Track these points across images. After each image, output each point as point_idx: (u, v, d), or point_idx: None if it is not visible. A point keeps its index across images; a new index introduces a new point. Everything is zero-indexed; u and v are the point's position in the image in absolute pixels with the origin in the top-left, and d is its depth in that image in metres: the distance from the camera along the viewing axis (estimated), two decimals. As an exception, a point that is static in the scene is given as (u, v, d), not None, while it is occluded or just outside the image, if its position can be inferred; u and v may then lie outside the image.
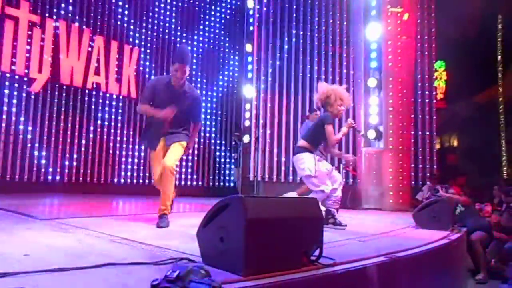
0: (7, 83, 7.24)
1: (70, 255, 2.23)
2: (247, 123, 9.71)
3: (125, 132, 8.89)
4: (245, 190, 9.44)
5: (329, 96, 4.22)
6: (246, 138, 9.62)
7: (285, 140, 9.53)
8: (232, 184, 10.50)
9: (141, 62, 9.26)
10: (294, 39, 9.82)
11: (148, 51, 9.40)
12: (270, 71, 9.62)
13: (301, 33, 9.83)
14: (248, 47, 9.93)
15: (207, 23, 10.48)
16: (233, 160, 10.52)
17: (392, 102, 7.97)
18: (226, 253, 1.95)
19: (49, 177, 7.68)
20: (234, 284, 1.77)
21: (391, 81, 8.01)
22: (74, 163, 8.06)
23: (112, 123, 8.72)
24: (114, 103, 8.79)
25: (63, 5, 8.01)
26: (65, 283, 1.69)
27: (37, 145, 7.56)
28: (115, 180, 8.67)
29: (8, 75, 7.25)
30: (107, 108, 8.66)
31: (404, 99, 8.07)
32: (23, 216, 3.87)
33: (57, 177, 7.76)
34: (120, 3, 8.91)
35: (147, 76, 9.34)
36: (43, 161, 7.61)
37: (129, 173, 8.90)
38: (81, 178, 8.13)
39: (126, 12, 9.04)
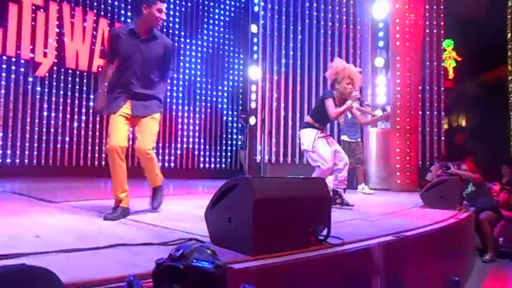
0: (13, 67, 7.24)
1: (81, 237, 2.26)
2: (253, 104, 9.67)
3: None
4: (252, 172, 9.46)
5: (338, 73, 4.26)
6: (252, 120, 9.60)
7: (291, 122, 9.49)
8: (239, 166, 10.52)
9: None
10: (299, 20, 9.67)
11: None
12: (275, 52, 9.51)
13: (307, 12, 9.67)
14: (254, 28, 9.81)
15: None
16: (239, 142, 10.52)
17: (400, 82, 7.87)
18: (234, 234, 1.96)
19: (57, 161, 7.74)
20: (243, 264, 1.78)
21: (399, 61, 7.89)
22: (82, 147, 8.11)
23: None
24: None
25: (66, -13, 7.94)
26: (76, 263, 1.71)
27: (44, 129, 7.60)
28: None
29: (13, 59, 7.25)
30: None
31: (412, 79, 7.96)
32: (34, 199, 3.91)
33: (65, 161, 7.82)
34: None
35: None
36: (51, 145, 7.67)
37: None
38: (89, 162, 8.19)
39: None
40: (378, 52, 8.12)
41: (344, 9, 9.80)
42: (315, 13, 9.69)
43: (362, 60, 8.81)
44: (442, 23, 9.99)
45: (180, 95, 9.68)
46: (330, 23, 9.75)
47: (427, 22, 9.51)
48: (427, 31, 9.59)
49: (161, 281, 0.87)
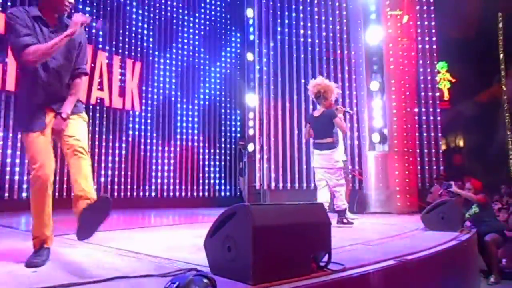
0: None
1: (78, 270, 2.23)
2: (251, 131, 9.72)
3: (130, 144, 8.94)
4: (252, 199, 9.42)
5: (326, 90, 5.00)
6: (250, 147, 9.62)
7: (289, 148, 9.53)
8: (238, 193, 10.49)
9: (144, 76, 9.33)
10: (294, 47, 9.85)
11: (150, 65, 9.47)
12: (272, 79, 9.64)
13: (301, 40, 9.87)
14: (249, 56, 9.98)
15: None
16: (238, 169, 10.51)
17: (396, 104, 7.95)
18: (234, 262, 1.94)
19: (56, 193, 7.69)
20: (244, 293, 1.76)
21: (394, 84, 8.00)
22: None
23: (117, 136, 8.76)
24: (118, 117, 8.85)
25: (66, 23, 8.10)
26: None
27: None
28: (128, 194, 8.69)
29: (13, 96, 7.32)
30: (112, 123, 8.72)
31: (408, 101, 8.05)
32: (28, 233, 3.87)
33: (64, 193, 7.77)
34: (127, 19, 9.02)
35: (149, 89, 9.42)
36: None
37: (135, 186, 8.92)
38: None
39: (127, 27, 9.13)
40: (373, 76, 8.24)
41: (338, 35, 10.02)
42: (309, 40, 9.89)
43: (357, 84, 8.92)
44: (434, 46, 10.19)
45: (196, 119, 9.95)
46: (324, 49, 9.94)
47: (420, 46, 9.70)
48: (420, 54, 9.77)
49: None
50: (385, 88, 8.05)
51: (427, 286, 2.89)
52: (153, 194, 9.17)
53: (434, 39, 10.18)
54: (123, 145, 8.87)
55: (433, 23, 10.20)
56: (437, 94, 10.51)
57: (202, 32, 10.46)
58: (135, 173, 8.96)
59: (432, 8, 10.24)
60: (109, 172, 8.55)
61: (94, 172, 8.25)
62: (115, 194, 8.53)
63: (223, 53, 10.82)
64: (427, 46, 10.05)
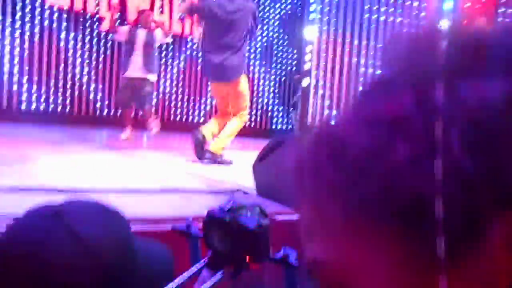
0: (80, 24, 7.58)
1: (138, 179, 2.46)
2: (307, 65, 9.53)
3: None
4: (303, 134, 9.48)
5: None
6: (306, 81, 9.49)
7: (345, 85, 9.30)
8: (290, 127, 10.55)
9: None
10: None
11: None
12: (333, 13, 9.19)
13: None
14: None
15: None
16: (291, 103, 10.49)
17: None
18: (280, 187, 2.05)
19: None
20: (285, 216, 1.88)
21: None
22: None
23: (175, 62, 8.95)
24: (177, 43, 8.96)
25: None
26: (131, 203, 1.89)
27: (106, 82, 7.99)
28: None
29: (81, 15, 7.56)
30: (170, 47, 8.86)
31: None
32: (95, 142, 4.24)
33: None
34: None
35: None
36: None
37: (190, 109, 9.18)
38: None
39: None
40: (444, 15, 7.62)
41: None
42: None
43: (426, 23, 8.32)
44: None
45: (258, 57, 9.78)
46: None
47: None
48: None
49: (209, 230, 0.96)
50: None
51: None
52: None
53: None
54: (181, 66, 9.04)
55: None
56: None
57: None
58: (191, 96, 9.15)
59: None
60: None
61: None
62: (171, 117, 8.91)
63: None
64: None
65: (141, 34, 4.99)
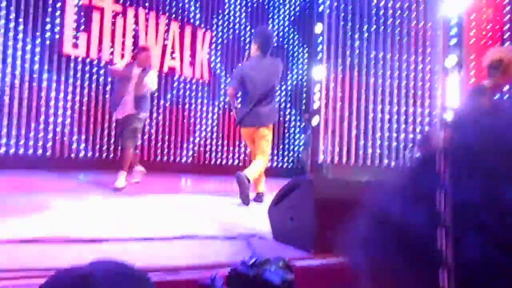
0: (95, 69, 7.86)
1: (155, 226, 2.46)
2: (316, 104, 9.64)
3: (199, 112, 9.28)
4: (314, 172, 9.44)
5: (509, 64, 3.42)
6: (315, 120, 9.57)
7: (355, 122, 9.34)
8: (301, 166, 10.55)
9: (213, 46, 9.52)
10: (366, 18, 9.47)
11: (219, 34, 9.62)
12: (340, 51, 9.40)
13: (373, 11, 9.45)
14: (318, 27, 9.76)
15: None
16: (302, 142, 10.54)
17: (475, 81, 7.43)
18: (296, 231, 2.04)
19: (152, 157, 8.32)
20: (304, 261, 1.85)
21: (473, 59, 7.45)
22: (153, 142, 8.58)
23: (186, 105, 9.13)
24: (187, 86, 9.19)
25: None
26: (149, 251, 1.89)
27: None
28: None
29: (95, 61, 7.87)
30: (181, 91, 9.08)
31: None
32: (114, 191, 4.28)
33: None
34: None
35: (219, 59, 9.60)
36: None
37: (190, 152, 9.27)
38: (153, 156, 8.62)
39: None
40: (450, 50, 7.73)
41: (414, 5, 9.44)
42: (381, 12, 9.44)
43: (432, 58, 8.44)
44: (525, 17, 9.25)
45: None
46: (398, 20, 9.44)
47: (507, 17, 8.86)
48: (508, 26, 8.93)
49: (233, 285, 0.96)
50: (463, 64, 7.54)
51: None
52: (218, 161, 9.53)
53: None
54: (196, 114, 9.23)
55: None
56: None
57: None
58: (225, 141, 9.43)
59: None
60: (201, 141, 9.01)
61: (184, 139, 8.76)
62: (206, 161, 9.08)
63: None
64: (515, 17, 9.15)
65: (136, 72, 4.75)
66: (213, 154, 9.35)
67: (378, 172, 8.22)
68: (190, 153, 9.16)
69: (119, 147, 6.10)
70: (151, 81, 4.77)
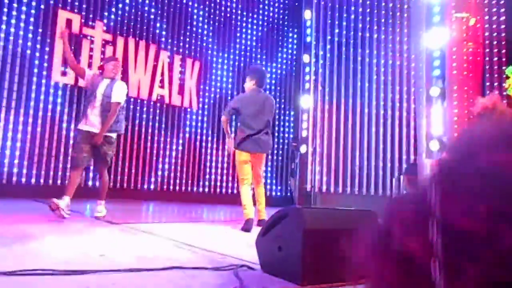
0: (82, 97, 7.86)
1: (140, 258, 2.41)
2: (304, 133, 9.74)
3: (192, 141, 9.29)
4: (302, 201, 9.43)
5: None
6: (303, 148, 9.64)
7: (342, 151, 9.43)
8: (289, 194, 10.54)
9: (202, 73, 9.63)
10: (351, 49, 9.73)
11: (208, 64, 9.77)
12: (327, 81, 9.60)
13: (359, 42, 9.73)
14: (306, 58, 9.99)
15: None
16: (290, 170, 10.56)
17: (458, 111, 7.62)
18: (284, 262, 2.02)
19: (117, 184, 8.18)
20: (292, 292, 1.83)
21: (456, 90, 7.68)
22: (133, 170, 8.52)
23: (174, 132, 9.14)
24: (176, 113, 9.23)
25: (132, 24, 8.61)
26: (136, 282, 1.85)
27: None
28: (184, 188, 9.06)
29: (83, 90, 7.87)
30: (170, 119, 9.11)
31: (471, 108, 7.69)
32: (99, 220, 4.20)
33: (124, 184, 8.26)
34: (189, 21, 9.39)
35: (207, 87, 9.70)
36: (118, 169, 8.14)
37: (190, 181, 9.24)
38: (147, 185, 8.58)
39: (188, 27, 9.48)
40: (433, 81, 7.95)
41: (398, 38, 9.75)
42: (367, 43, 9.72)
43: (416, 89, 8.65)
44: (503, 51, 9.61)
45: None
46: (383, 52, 9.72)
47: (487, 50, 9.20)
48: (487, 59, 9.26)
49: None
50: (446, 94, 7.75)
51: None
52: (206, 190, 9.46)
53: (503, 43, 9.60)
54: (180, 141, 9.23)
55: (502, 26, 9.62)
56: (505, 101, 9.90)
57: (259, 33, 10.60)
58: (190, 169, 9.29)
59: (502, 10, 9.66)
60: (166, 166, 8.95)
61: (152, 166, 8.70)
62: (171, 187, 8.93)
63: (279, 54, 10.89)
64: (495, 51, 9.50)
65: (104, 84, 4.35)
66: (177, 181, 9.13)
67: (366, 200, 8.25)
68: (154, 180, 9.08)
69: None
70: (117, 94, 4.32)
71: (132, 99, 8.56)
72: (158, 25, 8.97)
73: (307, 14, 10.08)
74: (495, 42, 9.56)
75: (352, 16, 9.84)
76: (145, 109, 8.73)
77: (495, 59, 9.52)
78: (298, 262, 1.92)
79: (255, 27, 10.56)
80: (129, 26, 8.62)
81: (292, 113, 10.93)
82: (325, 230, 2.04)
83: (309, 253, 1.93)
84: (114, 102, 4.30)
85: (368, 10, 9.82)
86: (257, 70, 4.94)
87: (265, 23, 10.73)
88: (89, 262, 2.14)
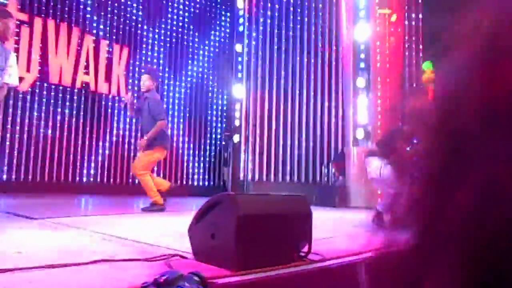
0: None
1: (63, 253, 2.25)
2: (237, 122, 9.76)
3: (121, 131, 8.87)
4: (235, 190, 9.47)
5: None
6: (236, 138, 9.66)
7: (274, 140, 9.60)
8: (222, 184, 10.52)
9: (131, 61, 9.22)
10: (283, 40, 9.89)
11: (138, 50, 9.37)
12: (259, 70, 9.67)
13: (291, 33, 9.90)
14: (238, 47, 9.98)
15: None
16: (223, 160, 10.55)
17: (381, 102, 8.08)
18: (217, 249, 2.00)
19: (38, 177, 7.63)
20: (225, 279, 1.82)
21: (380, 81, 8.13)
22: (63, 161, 8.01)
23: (101, 121, 8.69)
24: (103, 102, 8.76)
25: (52, 3, 7.96)
26: (60, 279, 1.72)
27: (26, 144, 7.51)
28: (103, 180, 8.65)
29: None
30: (96, 108, 8.63)
31: (393, 99, 8.20)
32: (17, 216, 3.87)
33: (46, 177, 7.72)
34: (109, 2, 8.87)
35: (136, 75, 9.32)
36: (38, 161, 7.58)
37: (119, 172, 8.88)
38: (71, 176, 8.09)
39: (115, 11, 8.99)
40: (359, 73, 8.34)
41: (327, 30, 10.07)
42: (298, 34, 9.92)
43: (344, 80, 9.02)
44: (421, 46, 10.33)
45: (182, 107, 9.81)
46: (313, 44, 9.99)
47: (407, 45, 9.83)
48: (407, 53, 9.90)
49: None
50: (371, 85, 8.17)
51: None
52: (137, 181, 9.13)
53: (420, 39, 10.32)
54: (114, 131, 8.80)
55: (420, 24, 10.33)
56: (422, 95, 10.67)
57: (191, 14, 10.25)
58: (125, 161, 8.90)
59: (420, 10, 10.37)
60: (100, 158, 8.51)
61: (84, 158, 8.22)
62: (105, 180, 8.53)
63: (212, 37, 10.60)
64: (414, 46, 10.18)
65: None
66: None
67: (297, 188, 8.48)
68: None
69: None
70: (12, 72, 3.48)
71: (53, 86, 7.97)
72: (81, 6, 8.40)
73: (240, 3, 10.04)
74: (413, 38, 10.25)
75: (284, 8, 9.98)
76: (68, 96, 8.18)
77: (414, 53, 10.23)
78: (231, 248, 1.91)
79: (187, 8, 10.17)
80: (48, 6, 7.96)
81: (224, 102, 10.88)
82: (258, 215, 2.05)
83: (243, 238, 1.93)
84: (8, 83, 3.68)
85: (299, 2, 10.01)
86: (156, 71, 5.36)
87: (198, 5, 10.41)
88: (4, 261, 1.96)
